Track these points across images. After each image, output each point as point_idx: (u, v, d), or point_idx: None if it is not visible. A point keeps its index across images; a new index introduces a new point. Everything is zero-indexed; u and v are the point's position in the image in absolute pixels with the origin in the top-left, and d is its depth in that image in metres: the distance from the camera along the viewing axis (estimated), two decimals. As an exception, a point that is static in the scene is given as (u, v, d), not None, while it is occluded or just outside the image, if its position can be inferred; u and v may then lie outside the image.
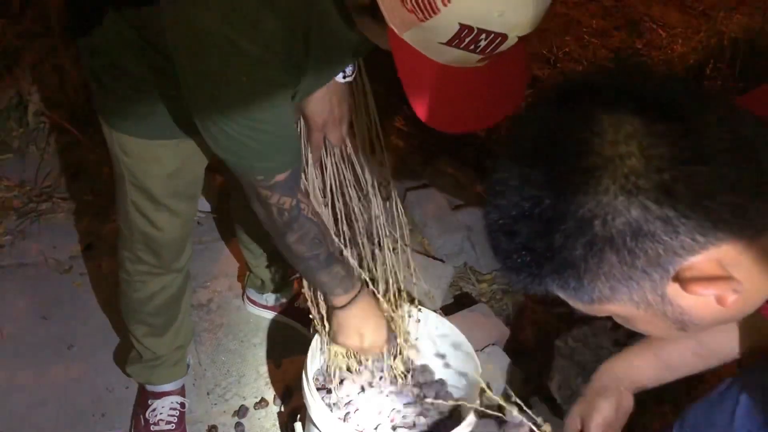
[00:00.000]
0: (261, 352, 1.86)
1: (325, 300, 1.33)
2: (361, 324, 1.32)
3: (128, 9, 1.14)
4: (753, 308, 0.68)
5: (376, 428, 1.39)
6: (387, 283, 1.42)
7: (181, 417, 1.66)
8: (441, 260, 2.04)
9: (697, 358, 1.15)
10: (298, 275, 1.92)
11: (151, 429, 1.63)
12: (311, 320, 1.40)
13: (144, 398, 1.67)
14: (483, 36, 0.85)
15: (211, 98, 1.02)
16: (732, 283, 0.61)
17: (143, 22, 1.13)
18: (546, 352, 1.86)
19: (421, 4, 0.84)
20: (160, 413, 1.64)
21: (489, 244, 0.67)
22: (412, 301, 1.48)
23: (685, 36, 3.16)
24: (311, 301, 1.38)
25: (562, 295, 0.66)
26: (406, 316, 1.46)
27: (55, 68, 2.42)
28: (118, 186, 1.37)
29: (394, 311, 1.41)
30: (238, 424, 1.69)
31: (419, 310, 1.48)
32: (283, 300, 1.91)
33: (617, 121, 0.59)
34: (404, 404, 1.44)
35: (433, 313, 1.52)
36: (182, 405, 1.67)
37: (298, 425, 1.48)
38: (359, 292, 1.30)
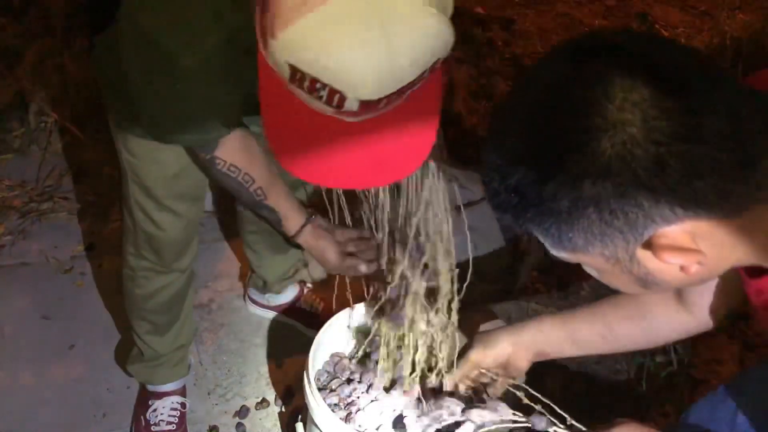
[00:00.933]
0: (262, 352, 1.86)
1: None
2: (310, 252, 1.34)
3: None
4: (713, 277, 0.73)
5: (377, 429, 1.38)
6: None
7: (182, 417, 1.66)
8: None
9: (603, 342, 1.19)
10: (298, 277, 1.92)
11: (152, 429, 1.63)
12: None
13: (145, 398, 1.67)
14: (319, 85, 0.78)
15: (144, 89, 1.08)
16: (698, 256, 0.65)
17: None
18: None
19: (264, 30, 0.80)
20: (161, 413, 1.64)
21: (482, 178, 0.70)
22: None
23: (687, 36, 3.16)
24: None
25: (540, 237, 0.69)
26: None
27: (56, 68, 2.42)
28: (123, 183, 1.38)
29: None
30: (239, 425, 1.68)
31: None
32: (285, 300, 1.90)
33: (628, 87, 0.61)
34: (406, 405, 1.43)
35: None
36: (183, 405, 1.67)
37: (299, 426, 1.48)
38: (304, 226, 1.30)
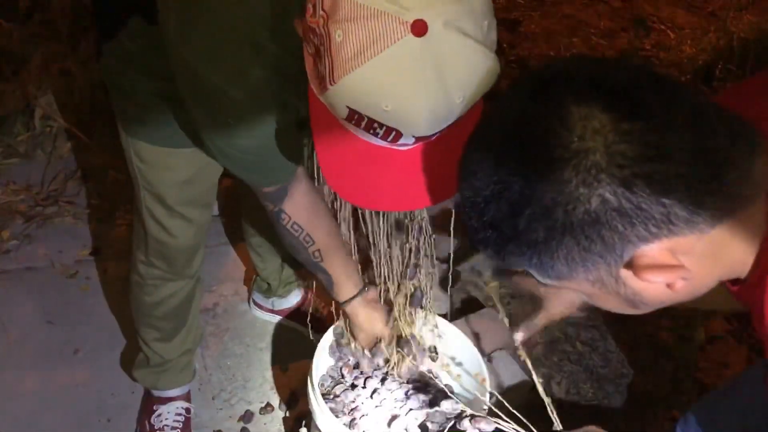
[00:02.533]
0: (267, 357, 1.85)
1: None
2: (355, 321, 1.36)
3: (153, 15, 1.14)
4: (701, 292, 0.71)
5: (382, 434, 1.38)
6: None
7: (187, 422, 1.66)
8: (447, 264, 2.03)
9: None
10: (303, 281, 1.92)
11: (157, 434, 1.63)
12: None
13: (149, 403, 1.67)
14: (376, 125, 0.82)
15: (204, 121, 1.05)
16: (681, 272, 0.65)
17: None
18: (554, 356, 1.84)
19: (320, 76, 0.83)
20: (166, 419, 1.63)
21: (461, 218, 0.72)
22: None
23: (694, 37, 3.14)
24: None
25: (526, 268, 0.70)
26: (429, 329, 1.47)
27: (61, 72, 2.43)
28: (134, 191, 1.38)
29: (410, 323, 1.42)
30: (243, 429, 1.68)
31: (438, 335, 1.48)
32: (290, 304, 1.90)
33: (586, 116, 0.62)
34: (410, 410, 1.43)
35: (441, 318, 1.51)
36: (187, 410, 1.67)
37: (303, 431, 1.47)
38: (354, 297, 1.32)
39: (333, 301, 1.46)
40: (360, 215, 1.39)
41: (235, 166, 1.12)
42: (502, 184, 0.65)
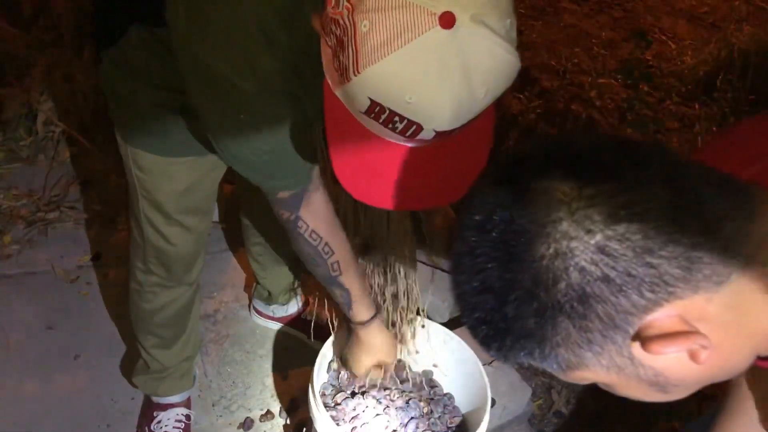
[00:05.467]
0: (267, 364, 1.85)
1: None
2: (368, 343, 1.32)
3: (156, 19, 1.13)
4: (738, 365, 0.65)
5: (382, 443, 1.38)
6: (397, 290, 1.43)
7: (187, 429, 1.65)
8: (449, 272, 2.03)
9: None
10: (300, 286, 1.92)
11: (156, 441, 1.63)
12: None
13: (149, 410, 1.66)
14: (397, 118, 0.82)
15: (217, 123, 1.04)
16: (696, 338, 0.58)
17: (168, 36, 1.13)
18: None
19: (342, 67, 0.82)
20: (166, 425, 1.63)
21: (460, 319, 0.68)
22: (417, 312, 1.48)
23: (695, 48, 3.16)
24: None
25: (535, 364, 0.65)
26: (416, 327, 1.47)
27: (65, 78, 2.43)
28: (131, 198, 1.37)
29: (404, 323, 1.42)
30: (243, 437, 1.68)
31: (422, 325, 1.48)
32: (290, 311, 1.90)
33: (546, 189, 0.58)
34: (411, 418, 1.42)
35: (441, 327, 1.51)
36: (187, 417, 1.66)
37: (303, 438, 1.47)
38: (374, 317, 1.28)
39: (335, 317, 1.45)
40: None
41: (249, 169, 1.09)
42: (481, 273, 0.61)
